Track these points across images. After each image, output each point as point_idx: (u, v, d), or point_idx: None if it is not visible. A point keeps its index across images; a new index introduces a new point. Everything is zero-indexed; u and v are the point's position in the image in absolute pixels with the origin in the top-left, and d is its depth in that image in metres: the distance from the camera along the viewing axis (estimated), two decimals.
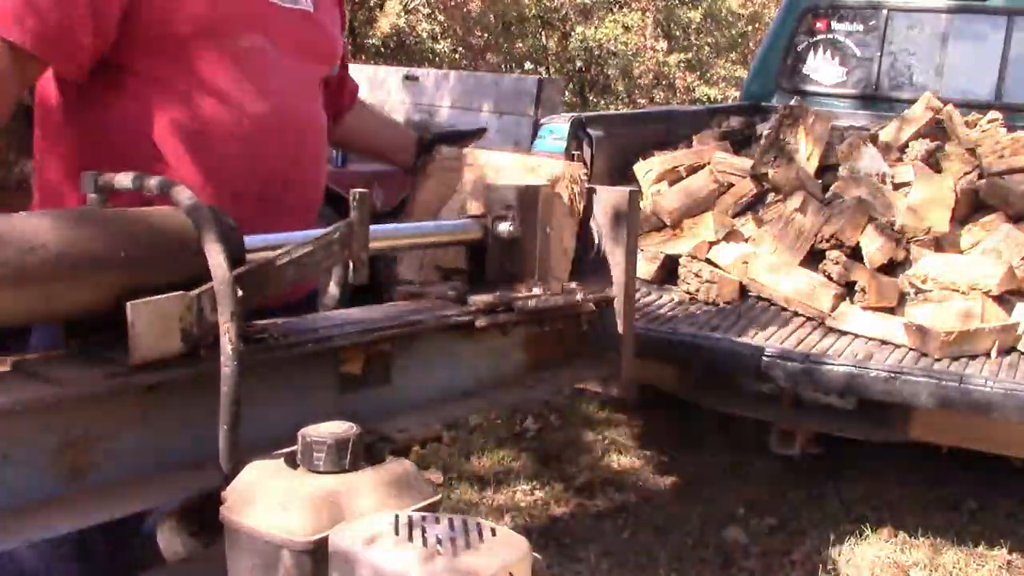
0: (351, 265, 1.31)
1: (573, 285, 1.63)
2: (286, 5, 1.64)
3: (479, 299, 1.47)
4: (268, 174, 1.61)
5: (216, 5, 1.52)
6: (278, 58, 1.61)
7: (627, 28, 11.07)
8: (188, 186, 1.12)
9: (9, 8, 1.40)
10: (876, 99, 4.74)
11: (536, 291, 1.55)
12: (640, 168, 3.81)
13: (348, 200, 1.29)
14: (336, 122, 1.96)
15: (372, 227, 1.28)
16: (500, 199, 1.59)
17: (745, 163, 3.62)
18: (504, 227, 1.55)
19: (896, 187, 3.46)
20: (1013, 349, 2.83)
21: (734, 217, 3.53)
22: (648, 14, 11.40)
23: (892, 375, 2.62)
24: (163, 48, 1.50)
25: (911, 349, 2.81)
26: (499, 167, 1.76)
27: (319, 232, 1.24)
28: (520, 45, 11.84)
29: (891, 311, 3.03)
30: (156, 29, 1.49)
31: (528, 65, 11.89)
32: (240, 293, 1.06)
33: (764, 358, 2.75)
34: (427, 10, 10.62)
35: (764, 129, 4.01)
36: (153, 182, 1.13)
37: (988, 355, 2.76)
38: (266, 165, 1.61)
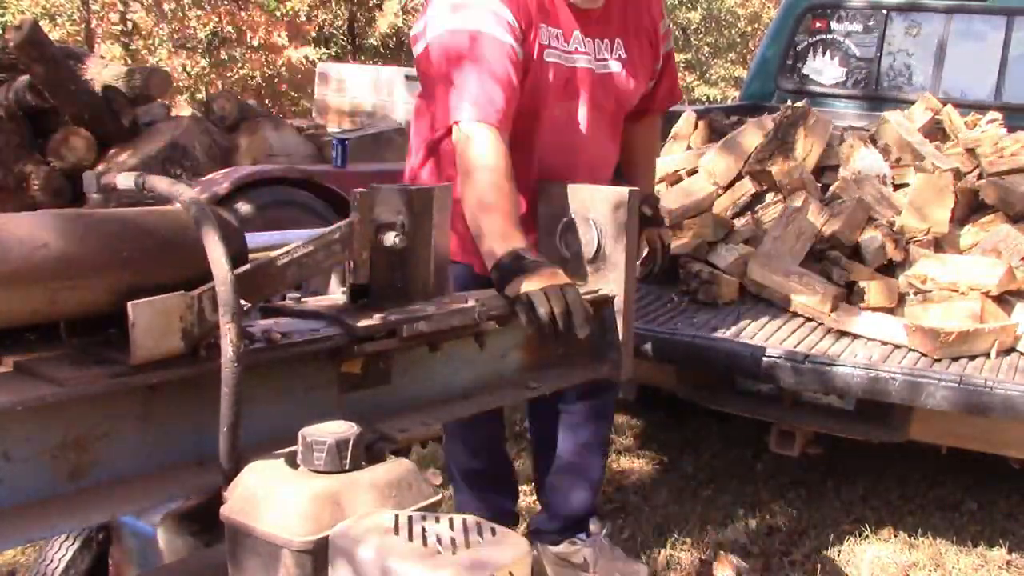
0: (352, 264, 1.31)
1: (470, 302, 1.45)
2: (599, 72, 2.12)
3: (360, 324, 1.29)
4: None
5: (544, 81, 2.03)
6: (584, 115, 2.13)
7: None
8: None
9: (481, 102, 1.90)
10: (876, 99, 4.74)
11: (429, 310, 1.38)
12: None
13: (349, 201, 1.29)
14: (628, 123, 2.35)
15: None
16: (385, 204, 1.38)
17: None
18: (390, 237, 1.35)
19: (896, 187, 3.46)
20: (1013, 349, 2.83)
21: (733, 217, 3.53)
22: None
23: (892, 375, 2.62)
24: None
25: (911, 349, 2.81)
26: None
27: (320, 232, 1.25)
28: None
29: (891, 311, 3.03)
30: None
31: None
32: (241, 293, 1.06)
33: (764, 358, 2.74)
34: None
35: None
36: (157, 182, 1.13)
37: (988, 355, 2.76)
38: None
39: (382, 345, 1.31)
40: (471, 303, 1.45)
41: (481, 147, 1.87)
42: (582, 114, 2.13)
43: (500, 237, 1.74)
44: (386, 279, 1.40)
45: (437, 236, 1.44)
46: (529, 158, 2.06)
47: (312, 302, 1.39)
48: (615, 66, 2.16)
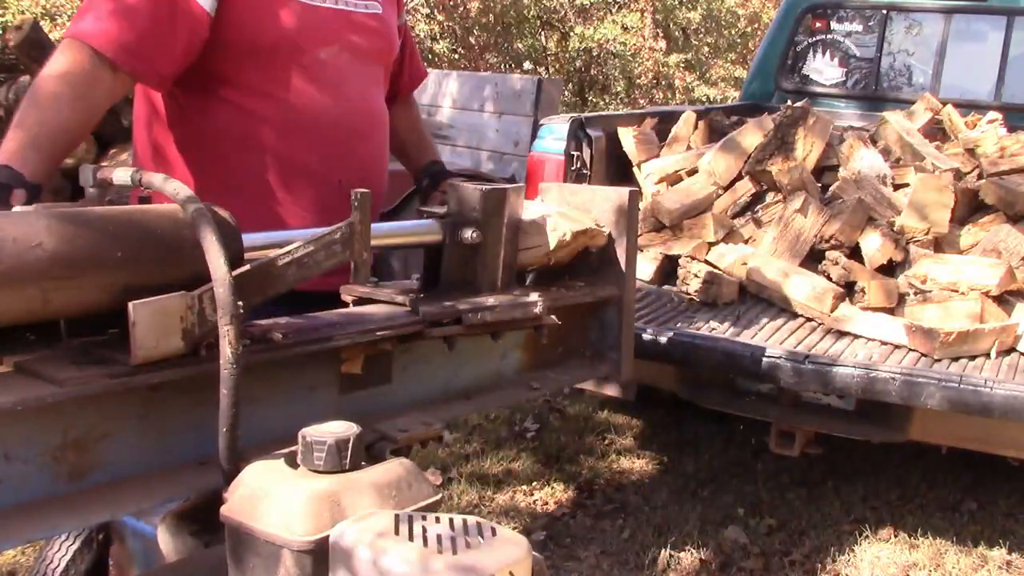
0: (352, 265, 1.31)
1: (534, 296, 1.52)
2: (359, 11, 1.88)
3: (428, 309, 1.39)
4: (345, 166, 1.85)
5: (296, 22, 1.75)
6: (351, 64, 1.87)
7: (626, 28, 11.04)
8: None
9: (96, 17, 1.56)
10: (876, 99, 4.74)
11: (491, 301, 1.46)
12: (640, 169, 3.81)
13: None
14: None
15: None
16: (464, 202, 1.49)
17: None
18: (468, 233, 1.46)
19: (896, 187, 3.45)
20: (1013, 349, 2.83)
21: (733, 218, 3.53)
22: (647, 14, 11.37)
23: (892, 376, 2.62)
24: (250, 58, 1.73)
25: (911, 350, 2.81)
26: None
27: (320, 231, 1.24)
28: (520, 45, 11.82)
29: (891, 312, 3.03)
30: (245, 42, 1.71)
31: (528, 65, 11.87)
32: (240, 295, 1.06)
33: (764, 358, 2.74)
34: (426, 10, 10.60)
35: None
36: (153, 179, 1.12)
37: (988, 355, 2.76)
38: (344, 159, 1.85)
39: (445, 331, 1.39)
40: (535, 296, 1.51)
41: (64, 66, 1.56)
42: (344, 60, 1.86)
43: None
44: (458, 272, 1.49)
45: (508, 233, 1.51)
46: (293, 113, 1.79)
47: (386, 287, 1.48)
48: (376, 7, 1.93)
